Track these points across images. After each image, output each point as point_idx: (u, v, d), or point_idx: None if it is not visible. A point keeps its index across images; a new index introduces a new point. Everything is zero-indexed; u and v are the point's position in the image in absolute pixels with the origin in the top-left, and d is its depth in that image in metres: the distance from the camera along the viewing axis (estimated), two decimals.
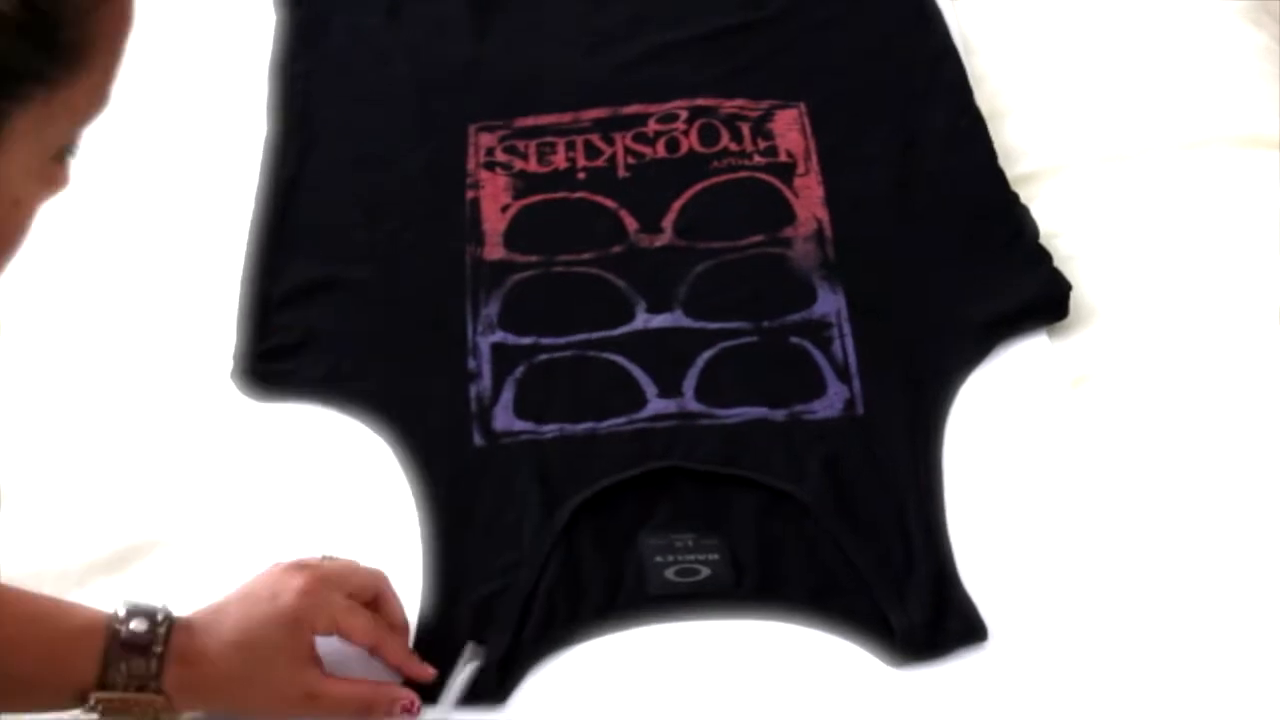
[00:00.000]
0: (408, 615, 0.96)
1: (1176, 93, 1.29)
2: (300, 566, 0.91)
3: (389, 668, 0.93)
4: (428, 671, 0.93)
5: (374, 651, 0.93)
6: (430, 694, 0.92)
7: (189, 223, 1.23)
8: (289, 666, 0.89)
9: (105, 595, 0.92)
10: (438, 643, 0.95)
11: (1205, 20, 1.36)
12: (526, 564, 0.99)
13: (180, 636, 0.87)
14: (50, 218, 1.22)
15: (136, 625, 0.86)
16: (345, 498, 1.05)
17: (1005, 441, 1.05)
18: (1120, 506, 1.00)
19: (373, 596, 0.94)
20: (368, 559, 0.97)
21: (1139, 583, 0.96)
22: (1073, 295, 1.12)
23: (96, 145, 1.25)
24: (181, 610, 0.89)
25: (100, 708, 0.86)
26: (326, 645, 0.91)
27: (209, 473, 1.06)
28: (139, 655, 0.86)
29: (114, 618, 0.86)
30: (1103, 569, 0.97)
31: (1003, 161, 1.22)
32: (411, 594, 0.98)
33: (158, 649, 0.87)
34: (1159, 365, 1.09)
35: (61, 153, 0.66)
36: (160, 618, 0.87)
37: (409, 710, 0.92)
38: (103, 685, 0.85)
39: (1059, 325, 1.12)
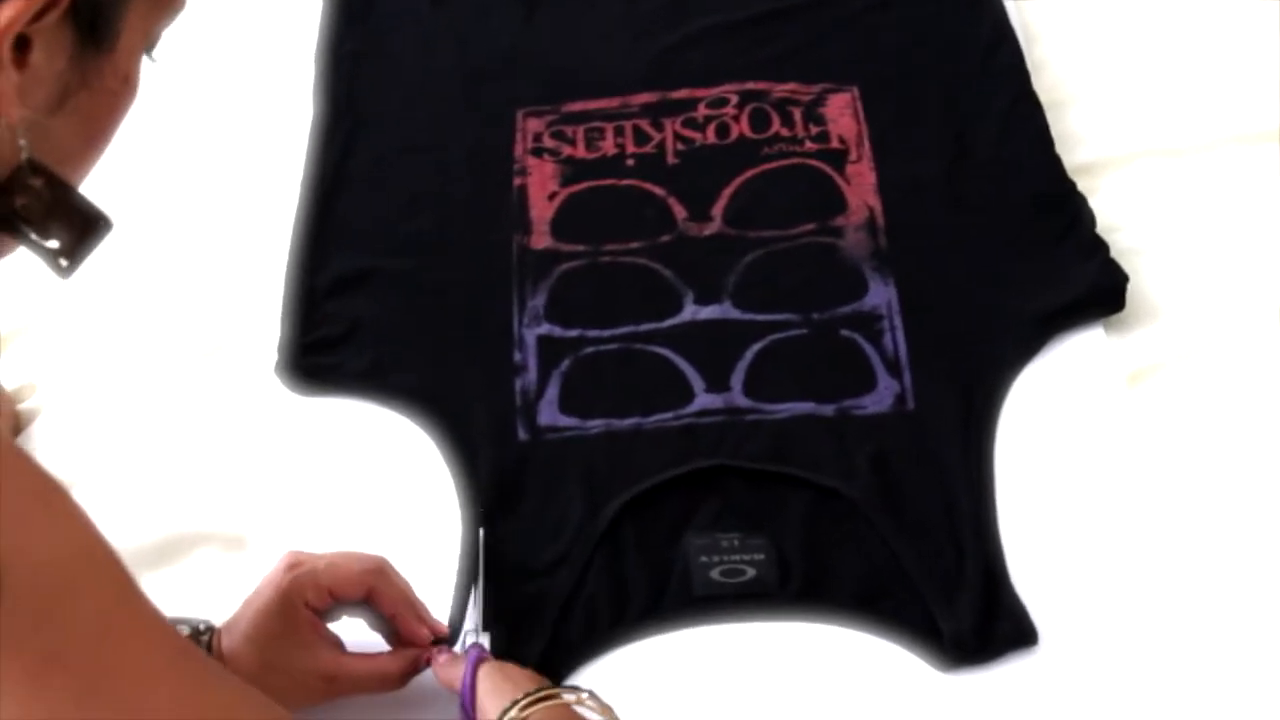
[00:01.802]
0: (444, 614, 0.95)
1: (1243, 86, 1.25)
2: (290, 553, 0.91)
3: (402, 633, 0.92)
4: (439, 627, 0.93)
5: (377, 602, 0.91)
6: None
7: (235, 214, 1.23)
8: (299, 651, 0.88)
9: (150, 589, 0.92)
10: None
11: (1274, 12, 1.32)
12: (568, 564, 0.98)
13: (217, 642, 0.87)
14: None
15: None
16: (388, 492, 1.04)
17: (1059, 439, 1.03)
18: (1176, 509, 0.98)
19: (374, 577, 0.92)
20: (409, 554, 0.96)
21: (1194, 588, 0.94)
22: (1133, 291, 1.09)
23: (146, 130, 1.26)
24: (220, 606, 0.89)
25: None
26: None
27: (253, 467, 1.06)
28: None
29: None
30: (1156, 573, 0.95)
31: (1063, 152, 1.19)
32: (452, 590, 0.97)
33: (204, 639, 0.87)
34: (1220, 364, 1.06)
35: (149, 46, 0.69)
36: (203, 628, 0.87)
37: (430, 661, 0.91)
38: None
39: (1117, 320, 1.09)
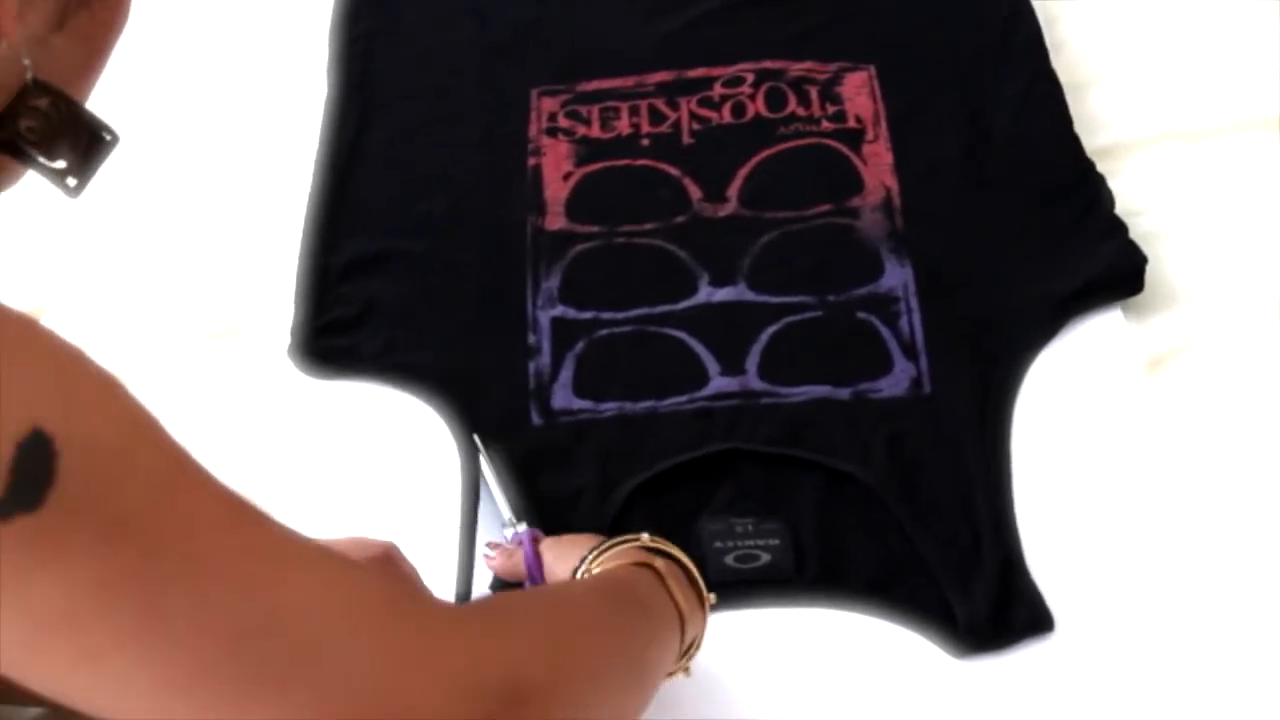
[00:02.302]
0: (456, 597, 0.96)
1: (1267, 70, 1.23)
2: None
3: None
4: None
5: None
6: None
7: (248, 195, 1.22)
8: None
9: None
10: None
11: None
12: None
13: None
14: (109, 193, 1.23)
15: None
16: (400, 476, 1.04)
17: (1076, 423, 1.02)
18: (1194, 495, 0.98)
19: (382, 565, 0.91)
20: (421, 538, 0.96)
21: (1212, 576, 0.94)
22: (1155, 276, 1.08)
23: (161, 112, 1.26)
24: None
25: None
26: None
27: (265, 449, 1.06)
28: None
29: None
30: (1174, 560, 0.95)
31: (1084, 134, 1.18)
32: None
33: None
34: (1241, 351, 1.05)
35: None
36: None
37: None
38: None
39: (1137, 305, 1.08)
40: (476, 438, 1.02)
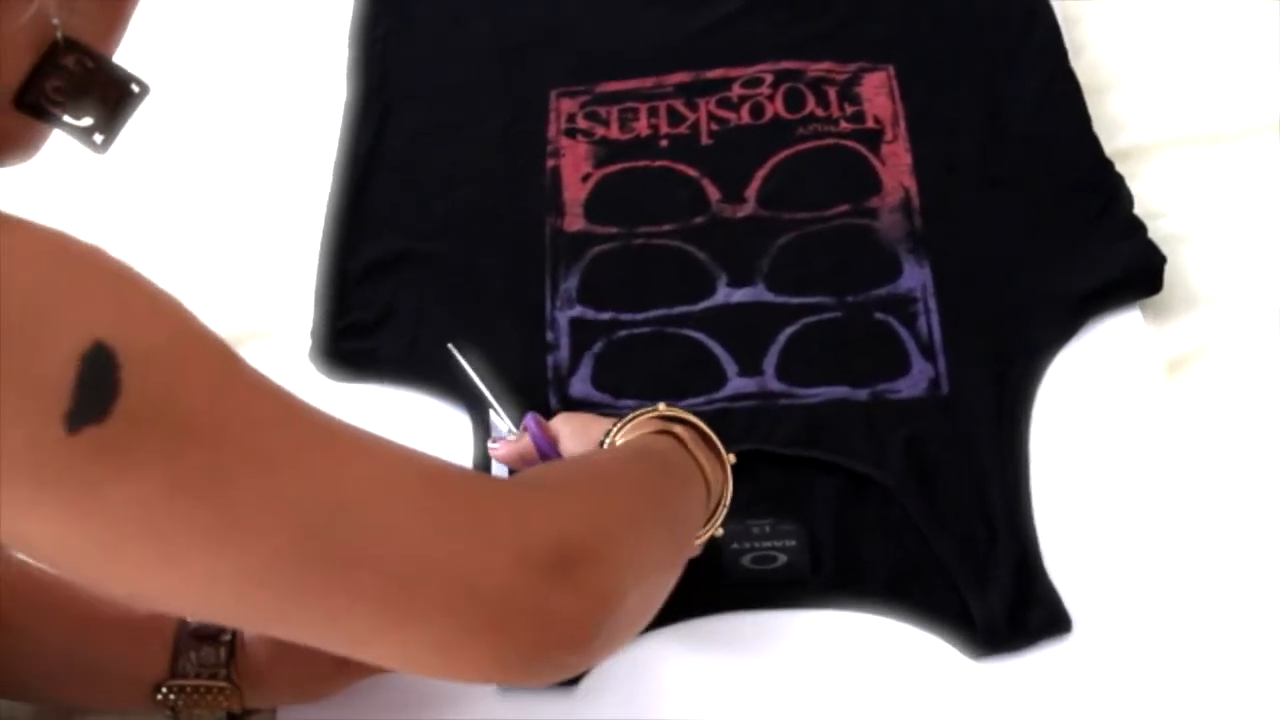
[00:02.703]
0: None
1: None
2: None
3: None
4: None
5: None
6: None
7: (267, 199, 1.23)
8: None
9: None
10: None
11: None
12: None
13: (241, 633, 0.88)
14: (128, 197, 1.23)
15: None
16: None
17: (1095, 424, 1.02)
18: (1212, 497, 0.97)
19: None
20: None
21: (1229, 578, 0.94)
22: (1175, 278, 1.08)
23: (181, 117, 1.26)
24: None
25: (173, 698, 0.87)
26: None
27: None
28: (208, 644, 0.88)
29: None
30: (1192, 562, 0.95)
31: (1104, 137, 1.17)
32: None
33: (226, 637, 0.88)
34: (1261, 354, 1.05)
35: None
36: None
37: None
38: (174, 674, 0.87)
39: (1157, 307, 1.08)
40: (451, 346, 1.05)
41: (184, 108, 1.30)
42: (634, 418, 0.89)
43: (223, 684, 0.88)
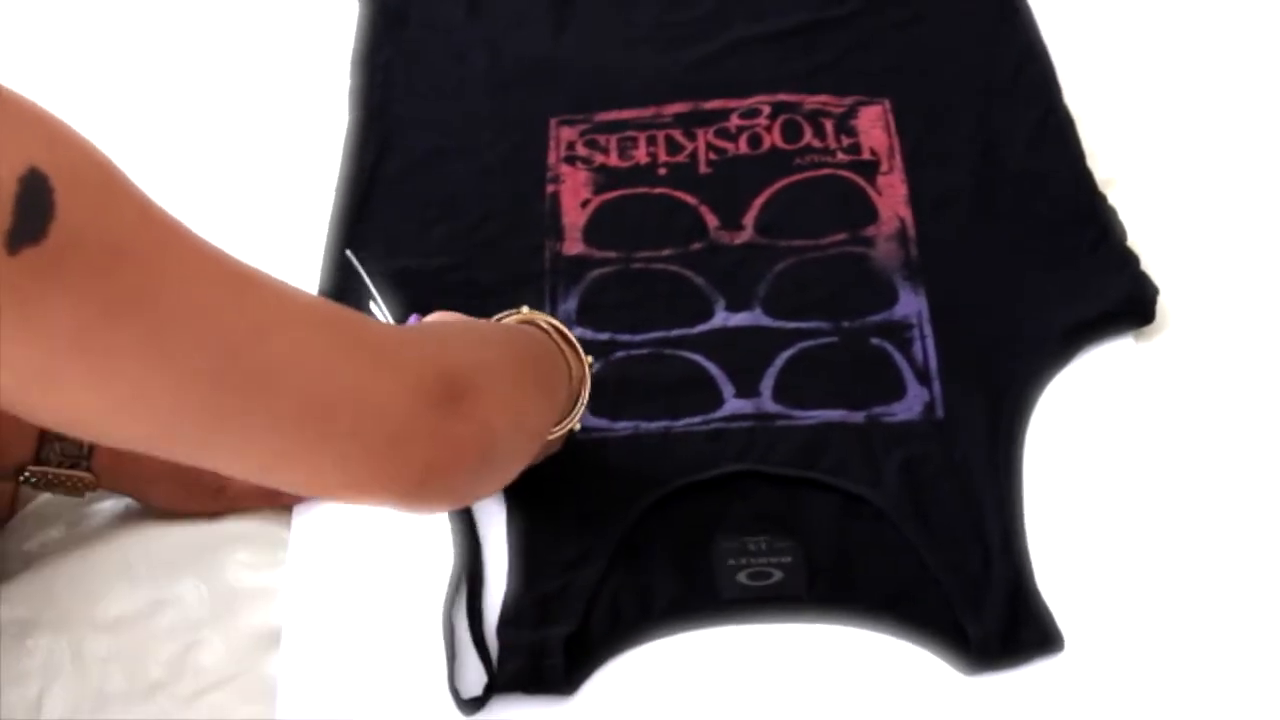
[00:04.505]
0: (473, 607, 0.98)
1: (1271, 97, 1.25)
2: None
3: None
4: None
5: None
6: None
7: (269, 222, 1.23)
8: None
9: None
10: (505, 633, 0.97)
11: None
12: (592, 561, 0.99)
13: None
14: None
15: None
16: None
17: (1087, 449, 1.03)
18: (1203, 520, 0.98)
19: None
20: (435, 551, 0.99)
21: (1221, 599, 0.94)
22: (1166, 305, 1.09)
23: (184, 140, 1.27)
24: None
25: (34, 480, 0.94)
26: None
27: None
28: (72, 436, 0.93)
29: None
30: (1183, 582, 0.95)
31: (1095, 166, 1.19)
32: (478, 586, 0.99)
33: None
34: (1253, 379, 1.06)
35: None
36: None
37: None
38: (37, 460, 0.94)
39: (1149, 333, 1.09)
40: (349, 252, 1.12)
41: (186, 131, 1.31)
42: (503, 316, 0.96)
43: (82, 474, 0.95)
